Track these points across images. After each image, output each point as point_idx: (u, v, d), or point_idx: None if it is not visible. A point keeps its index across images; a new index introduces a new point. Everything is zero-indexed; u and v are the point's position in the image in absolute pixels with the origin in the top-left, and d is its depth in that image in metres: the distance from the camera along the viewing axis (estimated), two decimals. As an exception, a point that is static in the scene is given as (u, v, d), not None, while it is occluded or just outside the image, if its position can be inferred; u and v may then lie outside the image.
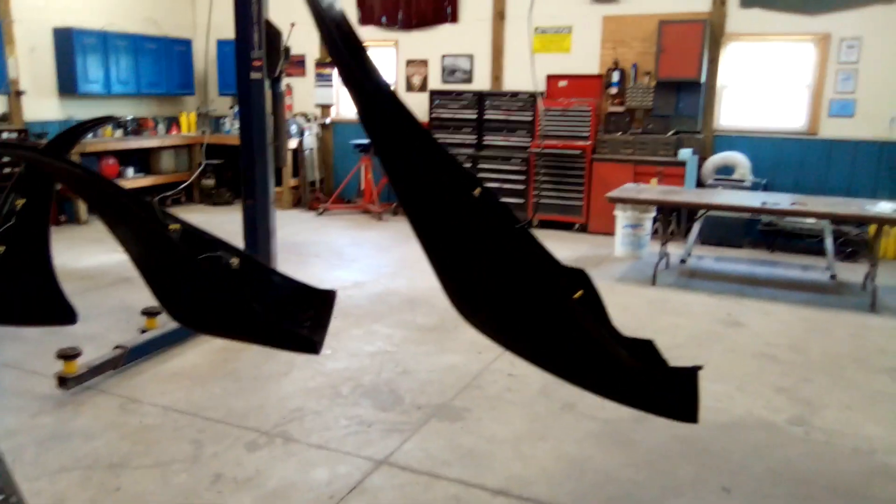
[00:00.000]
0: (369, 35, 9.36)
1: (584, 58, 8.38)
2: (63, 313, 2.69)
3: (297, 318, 1.95)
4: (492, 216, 1.61)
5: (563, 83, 8.42)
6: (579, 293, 1.58)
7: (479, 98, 8.65)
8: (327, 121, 9.86)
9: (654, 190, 6.38)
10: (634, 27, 8.11)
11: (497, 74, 8.89)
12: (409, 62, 9.37)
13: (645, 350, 1.68)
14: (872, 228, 6.24)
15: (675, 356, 4.08)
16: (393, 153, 1.72)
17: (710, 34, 7.61)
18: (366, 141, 8.90)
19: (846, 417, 3.53)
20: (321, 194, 9.71)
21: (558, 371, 1.91)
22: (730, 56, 7.83)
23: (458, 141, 8.78)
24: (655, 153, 7.80)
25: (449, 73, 9.17)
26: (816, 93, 7.46)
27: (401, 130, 1.61)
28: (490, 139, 8.65)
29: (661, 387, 1.69)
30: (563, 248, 7.23)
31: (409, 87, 9.41)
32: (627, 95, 8.11)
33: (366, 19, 9.42)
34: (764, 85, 7.80)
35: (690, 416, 1.70)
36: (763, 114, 7.83)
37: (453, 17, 9.02)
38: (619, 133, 8.06)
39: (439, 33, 9.10)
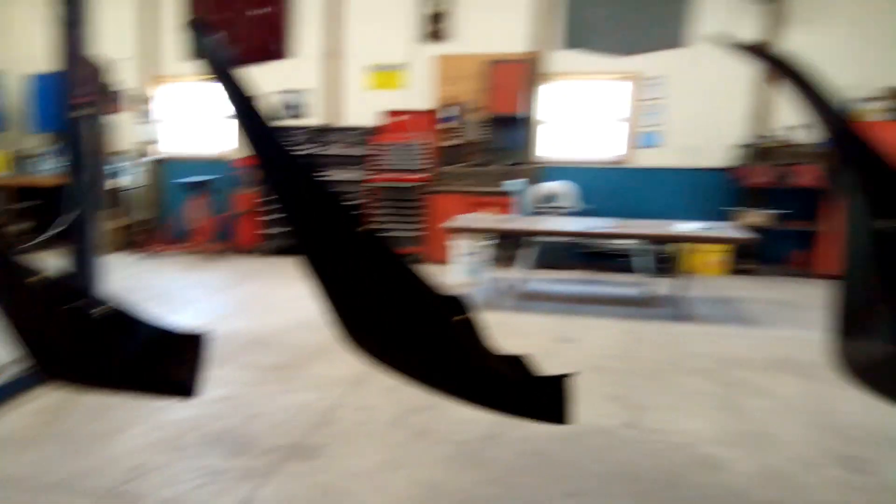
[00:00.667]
0: (199, 69, 9.10)
1: (420, 94, 8.68)
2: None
3: (168, 363, 1.88)
4: (375, 251, 1.68)
5: (397, 118, 8.65)
6: (460, 316, 1.69)
7: (316, 133, 8.67)
8: (146, 159, 9.41)
9: (490, 219, 6.69)
10: (464, 65, 8.53)
11: (333, 110, 8.96)
12: (242, 98, 9.20)
13: (517, 363, 1.83)
14: (680, 246, 6.95)
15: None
16: (284, 194, 1.77)
17: (534, 73, 8.18)
18: (196, 179, 8.60)
19: (670, 417, 3.90)
20: (149, 236, 9.22)
21: (445, 387, 2.02)
22: (551, 91, 8.45)
23: (296, 177, 8.72)
24: (489, 184, 8.21)
25: (285, 107, 9.12)
26: (631, 125, 8.23)
27: (291, 173, 1.68)
28: (327, 174, 8.67)
29: (535, 394, 1.85)
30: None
31: (242, 124, 9.23)
32: (462, 130, 8.48)
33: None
34: (587, 118, 8.49)
35: (562, 418, 1.87)
36: (584, 145, 8.51)
37: (287, 53, 9.00)
38: (456, 166, 8.40)
39: (275, 68, 9.05)
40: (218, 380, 4.39)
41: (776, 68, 1.87)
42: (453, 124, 8.54)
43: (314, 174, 1.70)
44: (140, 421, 3.75)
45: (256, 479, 3.16)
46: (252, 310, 6.08)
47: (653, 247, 7.62)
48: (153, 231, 9.30)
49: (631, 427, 3.77)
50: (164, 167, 9.45)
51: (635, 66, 8.08)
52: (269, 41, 8.95)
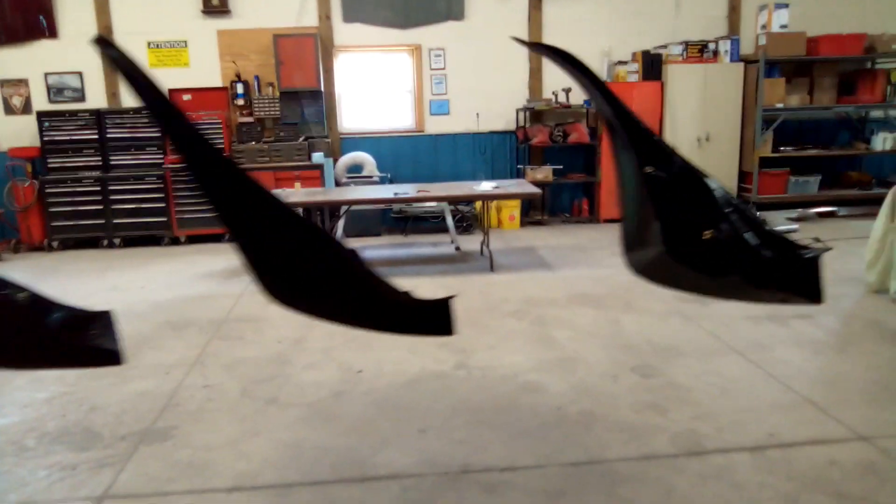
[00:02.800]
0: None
1: (205, 71, 8.43)
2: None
3: (89, 336, 1.91)
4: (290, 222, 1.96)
5: (187, 97, 8.35)
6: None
7: (98, 116, 8.11)
8: None
9: (299, 193, 6.80)
10: (250, 41, 8.41)
11: (113, 91, 8.43)
12: (5, 82, 8.33)
13: (407, 294, 2.15)
14: (478, 205, 7.55)
15: (352, 336, 4.54)
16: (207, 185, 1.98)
17: (321, 46, 8.29)
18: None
19: (492, 355, 4.40)
20: None
21: (354, 319, 2.48)
22: (343, 65, 8.63)
23: (82, 164, 8.13)
24: (291, 159, 8.25)
25: (56, 91, 8.40)
26: (417, 96, 8.67)
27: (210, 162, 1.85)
28: (118, 159, 8.18)
29: (426, 314, 2.20)
30: (215, 260, 7.27)
31: (9, 110, 8.38)
32: (254, 106, 8.40)
33: (-64, 35, 8.09)
34: (377, 90, 8.79)
35: (450, 330, 2.26)
36: (380, 115, 8.83)
37: (52, 32, 8.27)
38: (253, 143, 8.32)
39: (38, 49, 8.27)
40: (46, 379, 4.18)
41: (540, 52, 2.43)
42: (245, 101, 8.42)
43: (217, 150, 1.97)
44: (-36, 434, 3.51)
45: (113, 466, 3.15)
46: (56, 309, 5.72)
47: (456, 207, 8.20)
48: None
49: (461, 367, 4.21)
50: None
51: (416, 39, 8.51)
52: (31, 17, 8.15)
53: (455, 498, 2.82)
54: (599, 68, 8.60)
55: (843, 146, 8.93)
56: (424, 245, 7.85)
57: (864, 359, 4.15)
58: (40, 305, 1.90)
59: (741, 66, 8.38)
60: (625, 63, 8.51)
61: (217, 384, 4.04)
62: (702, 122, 8.46)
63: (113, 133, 8.13)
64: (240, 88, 8.41)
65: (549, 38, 8.54)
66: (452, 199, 6.99)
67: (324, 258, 2.00)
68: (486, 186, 6.62)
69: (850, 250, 6.48)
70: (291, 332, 4.91)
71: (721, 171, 8.51)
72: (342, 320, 2.55)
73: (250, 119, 8.48)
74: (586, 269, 6.51)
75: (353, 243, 7.94)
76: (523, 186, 6.84)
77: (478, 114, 8.61)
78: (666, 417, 3.48)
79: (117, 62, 1.75)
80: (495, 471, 3.01)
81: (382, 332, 2.63)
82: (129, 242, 8.21)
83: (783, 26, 8.18)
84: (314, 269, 2.03)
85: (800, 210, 8.48)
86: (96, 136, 8.13)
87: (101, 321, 2.02)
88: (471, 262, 6.93)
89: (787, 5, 8.18)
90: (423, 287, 6.13)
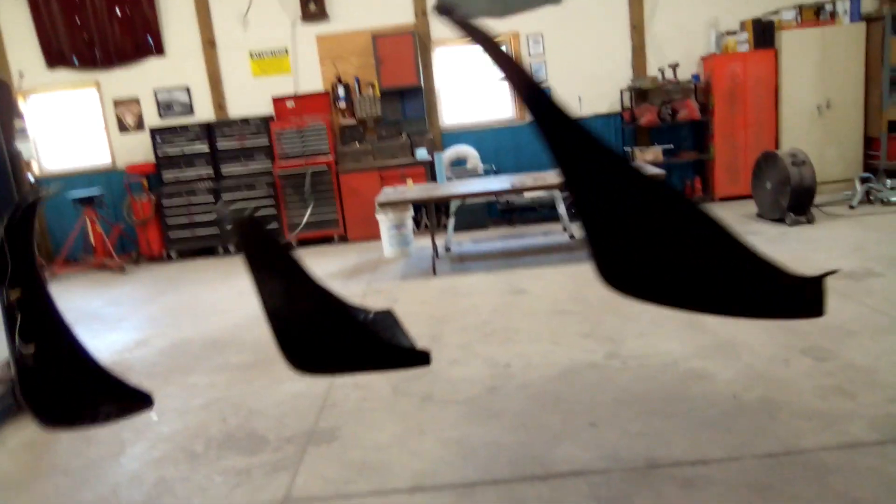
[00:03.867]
0: (62, 78, 8.46)
1: (307, 77, 8.53)
2: (135, 397, 2.46)
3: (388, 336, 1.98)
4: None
5: (290, 103, 8.47)
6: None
7: (208, 129, 8.32)
8: (31, 178, 8.69)
9: (413, 190, 6.77)
10: (349, 43, 8.45)
11: (220, 103, 8.63)
12: (118, 102, 8.66)
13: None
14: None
15: (489, 330, 4.43)
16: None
17: (419, 43, 8.25)
18: (86, 193, 8.06)
19: (644, 343, 4.20)
20: (45, 260, 8.55)
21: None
22: (441, 60, 8.56)
23: (194, 176, 8.36)
24: (395, 157, 8.25)
25: (166, 107, 8.67)
26: (518, 83, 8.52)
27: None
28: (228, 168, 8.38)
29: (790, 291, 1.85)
30: (332, 261, 7.33)
31: (123, 128, 8.70)
32: (356, 107, 8.43)
33: (54, 61, 8.48)
34: (476, 83, 8.68)
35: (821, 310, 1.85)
36: (481, 108, 8.72)
37: (158, 49, 8.54)
38: (357, 144, 8.36)
39: (147, 67, 8.56)
40: (195, 387, 4.27)
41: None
42: (347, 103, 8.47)
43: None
44: (135, 440, 3.59)
45: (287, 470, 3.14)
46: (189, 316, 5.86)
47: (563, 194, 7.99)
48: (48, 254, 8.63)
49: (613, 357, 4.04)
50: (46, 186, 8.75)
51: (514, 27, 8.35)
52: (139, 36, 8.44)
53: (652, 495, 2.66)
54: (707, 41, 8.24)
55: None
56: (535, 235, 7.69)
57: None
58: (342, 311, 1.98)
59: (863, 25, 7.84)
60: (734, 33, 8.10)
61: (366, 383, 4.01)
62: (821, 90, 7.96)
63: (222, 144, 8.32)
64: (341, 91, 8.47)
65: (652, 14, 8.23)
66: (548, 187, 6.78)
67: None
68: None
69: None
70: (426, 328, 4.85)
71: (846, 139, 8.00)
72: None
73: (353, 121, 8.52)
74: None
75: (464, 237, 7.87)
76: (642, 168, 6.56)
77: (580, 97, 8.38)
78: (856, 402, 3.21)
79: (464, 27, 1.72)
80: (686, 464, 2.84)
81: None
82: (244, 249, 8.38)
83: (910, -22, 7.61)
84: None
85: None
86: (207, 148, 8.34)
87: (387, 321, 2.06)
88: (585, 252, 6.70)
89: (913, -44, 7.60)
90: (548, 277, 5.98)
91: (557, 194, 7.37)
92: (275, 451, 3.34)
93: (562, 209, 7.38)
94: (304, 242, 8.29)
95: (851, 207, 7.14)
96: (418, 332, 4.77)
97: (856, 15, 7.85)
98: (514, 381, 3.87)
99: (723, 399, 3.38)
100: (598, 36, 8.31)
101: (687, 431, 3.10)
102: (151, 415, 3.80)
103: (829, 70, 7.92)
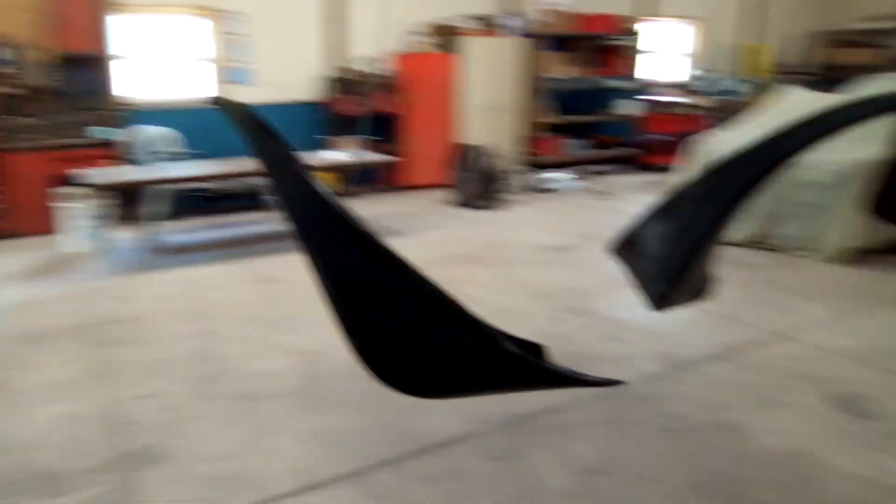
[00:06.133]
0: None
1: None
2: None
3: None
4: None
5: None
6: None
7: None
8: None
9: (104, 174, 5.95)
10: (9, -7, 6.99)
11: None
12: None
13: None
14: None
15: (270, 320, 4.23)
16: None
17: (104, 3, 7.23)
18: None
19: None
20: None
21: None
22: (131, 27, 7.62)
23: None
24: (78, 135, 7.11)
25: None
26: (220, 63, 8.03)
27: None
28: None
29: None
30: (4, 261, 6.08)
31: None
32: (24, 74, 7.03)
33: None
34: (171, 57, 7.93)
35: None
36: (175, 85, 8.00)
37: None
38: (26, 118, 6.99)
39: None
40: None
41: (232, 117, 2.46)
42: (15, 67, 7.02)
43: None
44: None
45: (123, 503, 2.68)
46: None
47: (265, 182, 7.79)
48: None
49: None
50: None
51: (216, 1, 7.86)
52: None
53: (538, 443, 2.94)
54: (397, 38, 8.80)
55: (596, 112, 10.28)
56: (246, 224, 7.37)
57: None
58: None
59: (524, 40, 9.19)
60: (421, 34, 8.80)
61: (158, 392, 3.53)
62: (493, 92, 9.12)
63: None
64: (5, 53, 6.96)
65: (352, 9, 8.49)
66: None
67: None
68: (339, 156, 6.49)
69: (640, 199, 7.65)
70: (191, 325, 4.42)
71: (511, 137, 9.31)
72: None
73: (20, 90, 7.08)
74: (437, 232, 6.76)
75: (165, 227, 7.18)
76: (366, 155, 6.84)
77: (282, 83, 8.25)
78: (628, 344, 3.94)
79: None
80: (545, 414, 3.18)
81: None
82: None
83: (558, 4, 9.19)
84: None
85: (576, 168, 9.68)
86: None
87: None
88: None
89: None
90: (296, 263, 5.72)
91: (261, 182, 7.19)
92: (83, 486, 2.76)
93: (267, 198, 7.20)
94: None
95: (524, 193, 8.40)
96: (184, 331, 4.32)
97: (517, 30, 9.17)
98: (328, 365, 3.82)
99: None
100: (302, 23, 8.28)
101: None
102: None
103: (499, 75, 9.11)
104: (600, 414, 3.20)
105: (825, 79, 10.51)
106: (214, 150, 7.86)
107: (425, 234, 6.68)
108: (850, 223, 5.44)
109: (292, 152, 2.32)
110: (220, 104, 2.35)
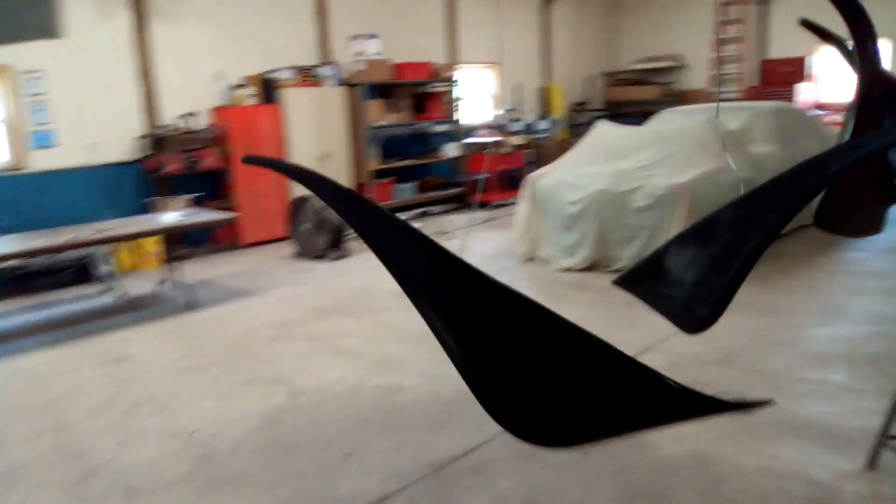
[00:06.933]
0: None
1: None
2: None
3: None
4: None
5: None
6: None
7: None
8: None
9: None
10: None
11: None
12: None
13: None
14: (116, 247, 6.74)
15: (129, 403, 3.90)
16: None
17: None
18: None
19: (312, 375, 4.28)
20: None
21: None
22: None
23: None
24: None
25: None
26: (15, 126, 7.22)
27: None
28: None
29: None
30: None
31: None
32: None
33: None
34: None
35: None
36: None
37: None
38: None
39: None
40: None
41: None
42: None
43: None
44: None
45: None
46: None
47: (95, 251, 7.10)
48: None
49: (298, 395, 4.03)
50: None
51: (7, 59, 7.08)
52: None
53: (463, 487, 2.90)
54: (218, 92, 8.49)
55: (421, 156, 10.57)
56: (72, 301, 6.61)
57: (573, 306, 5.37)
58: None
59: (344, 89, 9.26)
60: (242, 86, 8.57)
61: (18, 479, 3.05)
62: (319, 142, 9.07)
63: None
64: None
65: (160, 60, 8.05)
66: (114, 239, 6.07)
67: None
68: (168, 218, 6.08)
69: (479, 236, 7.95)
70: (35, 424, 3.88)
71: (345, 183, 9.27)
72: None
73: None
74: (290, 288, 6.52)
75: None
76: (198, 214, 6.48)
77: (92, 144, 7.60)
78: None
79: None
80: (460, 457, 3.16)
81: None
82: None
83: (376, 54, 9.37)
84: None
85: (417, 212, 9.86)
86: None
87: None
88: (157, 307, 6.19)
89: (376, 36, 9.39)
90: (141, 337, 5.23)
91: (100, 251, 6.55)
92: None
93: (105, 268, 6.58)
94: None
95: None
96: (33, 429, 3.79)
97: (337, 80, 9.22)
98: (216, 444, 3.52)
99: (427, 399, 3.80)
100: (108, 79, 7.70)
101: (428, 433, 3.42)
102: None
103: (324, 124, 9.09)
104: (511, 449, 3.23)
105: (613, 114, 11.70)
106: (22, 223, 7.04)
107: (277, 291, 6.42)
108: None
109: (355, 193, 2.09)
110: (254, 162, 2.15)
